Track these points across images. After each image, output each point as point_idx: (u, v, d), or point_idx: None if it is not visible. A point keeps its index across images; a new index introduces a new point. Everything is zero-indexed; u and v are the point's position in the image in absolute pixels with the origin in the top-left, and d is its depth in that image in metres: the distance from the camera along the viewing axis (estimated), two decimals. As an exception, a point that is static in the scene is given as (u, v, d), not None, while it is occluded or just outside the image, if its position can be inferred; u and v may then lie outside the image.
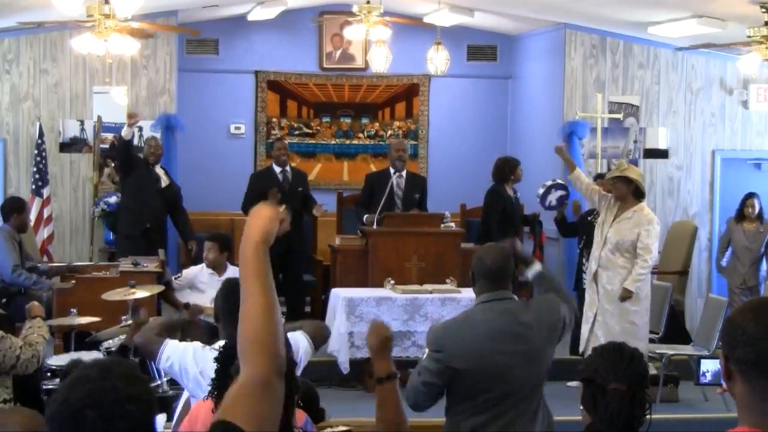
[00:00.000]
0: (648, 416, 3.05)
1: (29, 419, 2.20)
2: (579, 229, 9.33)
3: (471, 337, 4.08)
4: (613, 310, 7.73)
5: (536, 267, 4.49)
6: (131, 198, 9.52)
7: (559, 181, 9.54)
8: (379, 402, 3.37)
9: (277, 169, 10.05)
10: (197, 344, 4.18)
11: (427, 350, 4.16)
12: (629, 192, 7.72)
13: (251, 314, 2.08)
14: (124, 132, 9.28)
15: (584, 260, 8.86)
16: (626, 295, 7.65)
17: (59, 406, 1.97)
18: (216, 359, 3.25)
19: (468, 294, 7.65)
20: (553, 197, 9.40)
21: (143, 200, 9.43)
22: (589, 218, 9.04)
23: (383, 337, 3.40)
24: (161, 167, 9.77)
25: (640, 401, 3.01)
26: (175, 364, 4.11)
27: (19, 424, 2.19)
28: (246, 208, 10.11)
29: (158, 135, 10.80)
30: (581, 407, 3.05)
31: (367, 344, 3.49)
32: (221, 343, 3.89)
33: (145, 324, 4.49)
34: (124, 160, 9.48)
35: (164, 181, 9.67)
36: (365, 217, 9.46)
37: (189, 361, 4.06)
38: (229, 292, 4.00)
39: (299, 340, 4.26)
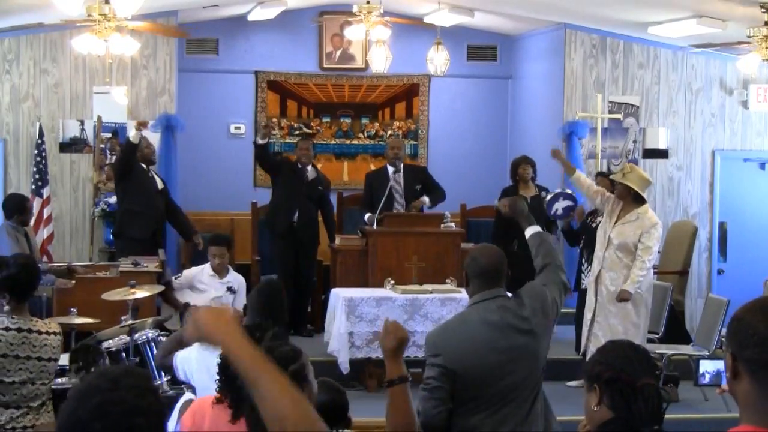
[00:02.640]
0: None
1: None
2: (580, 230, 9.29)
3: (468, 336, 4.01)
4: (617, 311, 7.70)
5: (535, 227, 4.46)
6: (136, 201, 9.22)
7: (569, 191, 9.25)
8: (389, 404, 3.32)
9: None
10: (196, 346, 4.25)
11: (427, 359, 4.04)
12: (629, 195, 7.74)
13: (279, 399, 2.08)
14: (132, 135, 9.09)
15: (584, 260, 8.86)
16: (625, 297, 7.64)
17: (68, 418, 1.96)
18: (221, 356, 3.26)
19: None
20: (559, 206, 9.09)
21: (148, 203, 9.22)
22: (588, 219, 9.03)
23: (400, 339, 3.31)
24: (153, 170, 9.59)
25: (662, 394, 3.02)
26: (183, 372, 4.48)
27: None
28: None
29: (158, 135, 10.81)
30: (595, 407, 2.97)
31: (381, 345, 3.37)
32: None
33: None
34: (128, 162, 9.23)
35: (159, 184, 9.51)
36: (367, 216, 9.46)
37: (193, 366, 4.35)
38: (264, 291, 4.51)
39: None
